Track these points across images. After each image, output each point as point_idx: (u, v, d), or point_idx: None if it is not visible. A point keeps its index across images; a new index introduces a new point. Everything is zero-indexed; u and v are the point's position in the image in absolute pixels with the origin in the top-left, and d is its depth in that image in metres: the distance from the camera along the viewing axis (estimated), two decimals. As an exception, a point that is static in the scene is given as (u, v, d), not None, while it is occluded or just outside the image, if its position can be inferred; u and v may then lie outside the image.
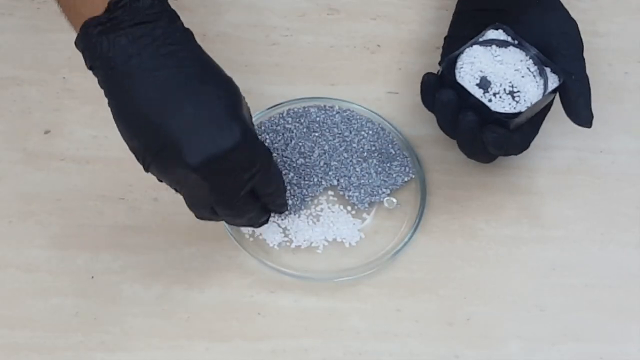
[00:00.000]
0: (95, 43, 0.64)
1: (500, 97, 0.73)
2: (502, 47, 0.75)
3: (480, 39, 0.75)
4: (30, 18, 0.83)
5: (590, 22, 0.83)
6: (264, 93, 0.80)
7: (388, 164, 0.78)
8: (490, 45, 0.75)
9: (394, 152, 0.78)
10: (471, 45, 0.75)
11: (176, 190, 0.68)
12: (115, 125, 0.79)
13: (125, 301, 0.74)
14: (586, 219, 0.78)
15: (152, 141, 0.65)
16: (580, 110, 0.73)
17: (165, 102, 0.64)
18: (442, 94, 0.73)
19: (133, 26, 0.64)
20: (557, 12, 0.77)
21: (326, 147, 0.78)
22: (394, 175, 0.77)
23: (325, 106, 0.79)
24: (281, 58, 0.82)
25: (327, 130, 0.78)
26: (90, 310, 0.73)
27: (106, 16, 0.64)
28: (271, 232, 0.75)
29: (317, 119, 0.79)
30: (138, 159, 0.66)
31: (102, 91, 0.80)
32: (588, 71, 0.74)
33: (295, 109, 0.79)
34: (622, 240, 0.77)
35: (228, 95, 0.66)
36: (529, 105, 0.73)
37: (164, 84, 0.64)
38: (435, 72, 0.75)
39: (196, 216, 0.70)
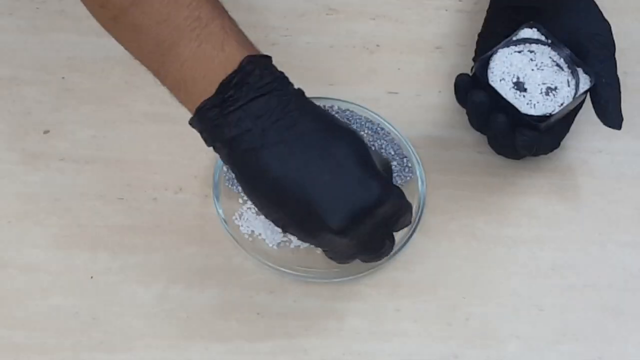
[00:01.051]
0: (214, 125, 0.63)
1: (532, 98, 0.73)
2: (535, 46, 0.75)
3: (514, 38, 0.75)
4: (30, 18, 0.83)
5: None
6: (264, 93, 0.80)
7: (387, 164, 0.78)
8: (524, 44, 0.75)
9: (393, 152, 0.78)
10: (504, 46, 0.75)
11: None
12: (114, 125, 0.79)
13: (124, 301, 0.74)
14: (586, 219, 0.78)
15: (293, 212, 0.64)
16: (609, 113, 0.74)
17: (298, 172, 0.64)
18: (474, 94, 0.74)
19: (248, 102, 0.63)
20: (590, 12, 0.76)
21: (325, 147, 0.78)
22: (394, 176, 0.77)
23: (324, 106, 0.79)
24: (280, 58, 0.82)
25: (327, 130, 0.78)
26: (89, 311, 0.73)
27: (220, 97, 0.63)
28: (270, 232, 0.75)
29: (317, 119, 0.79)
30: (277, 225, 0.67)
31: (101, 91, 0.80)
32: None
33: (295, 109, 0.79)
34: (621, 240, 0.77)
35: (357, 150, 0.66)
36: (560, 107, 0.73)
37: (293, 154, 0.64)
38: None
39: (335, 261, 0.71)
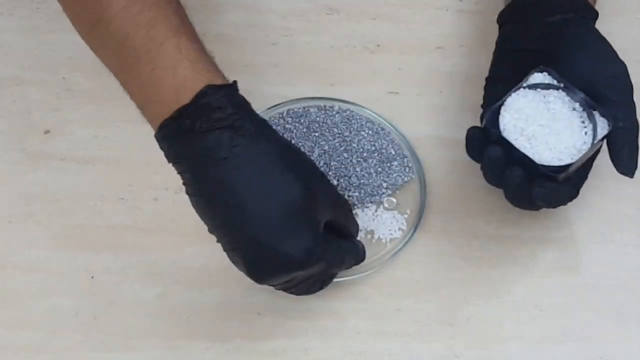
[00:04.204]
0: (173, 144, 0.63)
1: (547, 147, 0.69)
2: (547, 91, 0.71)
3: (524, 84, 0.71)
4: (30, 18, 0.83)
5: (590, 22, 0.83)
6: (264, 93, 0.80)
7: (388, 164, 0.78)
8: (535, 90, 0.71)
9: (393, 152, 0.78)
10: (514, 93, 0.71)
11: None
12: (115, 125, 0.79)
13: (125, 301, 0.74)
14: (586, 219, 0.78)
15: (226, 241, 0.64)
16: (622, 159, 0.70)
17: (240, 205, 0.63)
18: (490, 151, 0.69)
19: (203, 133, 0.62)
20: (604, 53, 0.72)
21: (326, 147, 0.78)
22: (394, 176, 0.77)
23: (325, 106, 0.79)
24: (281, 58, 0.82)
25: (327, 130, 0.79)
26: (90, 311, 0.73)
27: (177, 124, 0.63)
28: (271, 232, 0.75)
29: (317, 119, 0.79)
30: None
31: (101, 91, 0.81)
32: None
33: (295, 109, 0.79)
34: (622, 240, 0.77)
35: (300, 201, 0.64)
36: (577, 156, 0.69)
37: (240, 185, 0.63)
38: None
39: None
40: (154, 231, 0.76)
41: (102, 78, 0.80)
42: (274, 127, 0.78)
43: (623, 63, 0.72)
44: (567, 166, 0.69)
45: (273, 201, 0.63)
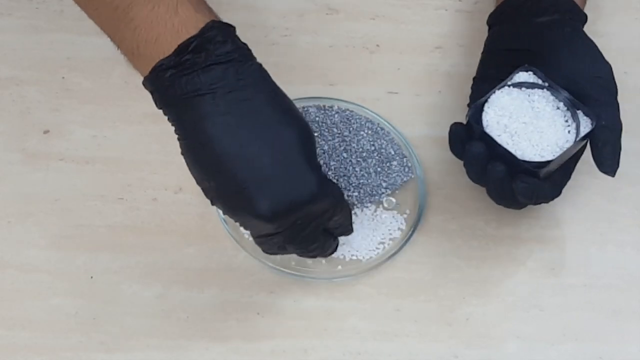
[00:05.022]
0: (168, 86, 0.63)
1: (530, 144, 0.70)
2: (531, 90, 0.71)
3: (509, 83, 0.71)
4: (30, 18, 0.83)
5: (590, 22, 0.83)
6: (263, 93, 0.80)
7: (387, 164, 0.78)
8: (519, 88, 0.71)
9: (393, 152, 0.78)
10: (498, 91, 0.71)
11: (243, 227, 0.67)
12: (114, 125, 0.79)
13: (124, 301, 0.74)
14: (586, 219, 0.78)
15: (224, 187, 0.63)
16: (604, 158, 0.70)
17: (240, 147, 0.63)
18: (473, 146, 0.70)
19: (205, 68, 0.62)
20: (589, 53, 0.73)
21: (325, 147, 0.78)
22: (394, 175, 0.77)
23: (324, 106, 0.79)
24: (280, 58, 0.82)
25: (327, 130, 0.78)
26: (89, 311, 0.73)
27: (176, 59, 0.62)
28: (270, 232, 0.75)
29: (316, 119, 0.79)
30: (206, 195, 0.66)
31: (101, 91, 0.80)
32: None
33: (295, 109, 0.79)
34: (622, 240, 0.77)
35: (304, 141, 0.65)
36: (559, 152, 0.69)
37: (239, 128, 0.63)
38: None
39: (262, 250, 0.69)
40: (153, 231, 0.76)
41: (101, 78, 0.81)
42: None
43: (608, 63, 0.72)
44: (549, 162, 0.69)
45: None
